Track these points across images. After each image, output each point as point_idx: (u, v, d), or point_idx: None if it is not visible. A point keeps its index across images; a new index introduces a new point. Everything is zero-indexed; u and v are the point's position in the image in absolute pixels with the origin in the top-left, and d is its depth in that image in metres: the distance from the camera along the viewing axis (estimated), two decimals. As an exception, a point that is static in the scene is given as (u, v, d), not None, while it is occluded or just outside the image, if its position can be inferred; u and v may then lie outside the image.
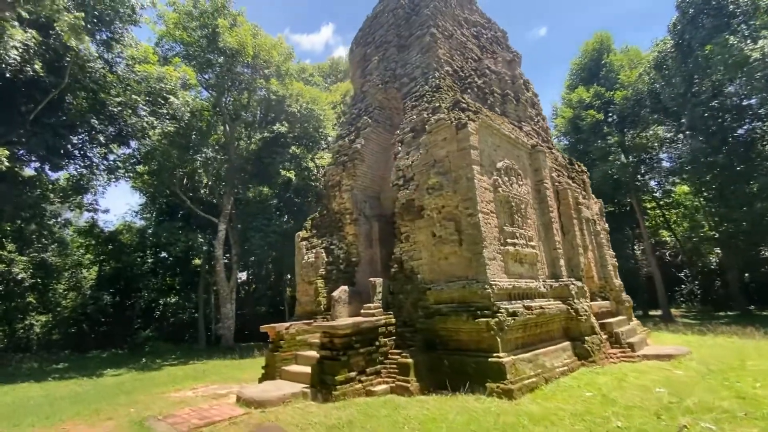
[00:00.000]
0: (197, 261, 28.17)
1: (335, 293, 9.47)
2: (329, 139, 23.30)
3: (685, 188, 23.85)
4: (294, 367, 7.95)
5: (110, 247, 26.68)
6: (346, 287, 9.77)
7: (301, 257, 11.76)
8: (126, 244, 27.03)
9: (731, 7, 15.97)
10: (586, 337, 8.28)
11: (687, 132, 17.59)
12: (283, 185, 23.09)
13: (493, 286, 6.89)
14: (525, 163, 9.48)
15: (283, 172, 20.35)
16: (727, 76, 17.22)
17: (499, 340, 6.55)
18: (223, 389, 8.56)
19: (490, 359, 6.42)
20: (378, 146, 11.62)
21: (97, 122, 16.58)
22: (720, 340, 10.84)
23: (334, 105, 25.79)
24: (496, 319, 6.56)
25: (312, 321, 9.46)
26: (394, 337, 7.72)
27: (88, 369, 16.00)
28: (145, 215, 29.41)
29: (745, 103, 17.93)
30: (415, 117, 9.71)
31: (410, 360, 6.83)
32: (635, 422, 4.81)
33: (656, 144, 21.71)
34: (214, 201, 26.11)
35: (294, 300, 30.56)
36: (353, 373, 6.76)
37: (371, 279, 8.67)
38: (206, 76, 23.54)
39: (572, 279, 9.03)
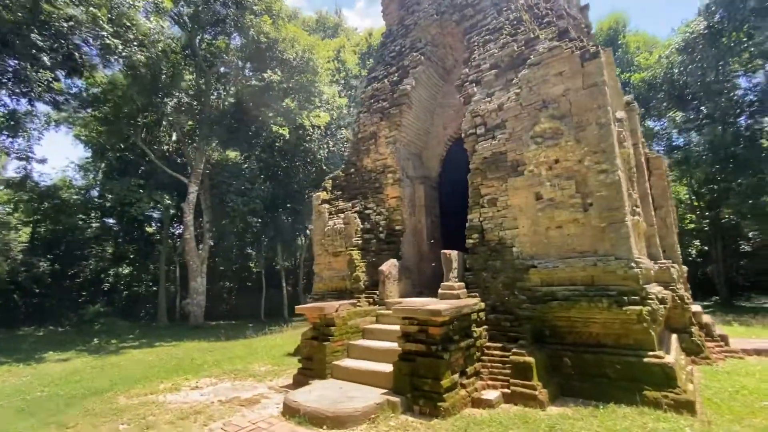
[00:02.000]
0: (149, 229, 24.43)
1: (384, 267, 7.48)
2: (324, 97, 20.57)
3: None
4: (350, 363, 5.93)
5: (47, 205, 22.26)
6: (395, 261, 7.82)
7: (323, 223, 9.54)
8: (67, 202, 22.70)
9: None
10: (692, 329, 7.04)
11: (706, 121, 17.21)
12: (268, 146, 20.16)
13: (641, 266, 5.28)
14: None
15: (275, 128, 17.46)
16: (752, 66, 16.87)
17: (653, 334, 4.98)
18: (243, 389, 6.34)
19: (646, 359, 4.84)
20: (427, 92, 9.52)
21: (39, 38, 12.72)
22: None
23: (328, 60, 22.87)
24: (649, 308, 4.97)
25: (355, 301, 7.41)
26: (485, 326, 5.94)
27: (21, 351, 12.79)
28: (89, 170, 24.88)
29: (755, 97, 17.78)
30: (496, 51, 7.71)
31: (530, 358, 5.08)
32: None
33: (674, 131, 21.47)
34: (179, 160, 22.52)
35: (271, 275, 27.65)
36: (455, 375, 4.90)
37: (444, 251, 6.75)
38: (178, 10, 19.62)
39: (669, 261, 7.73)
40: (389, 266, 7.62)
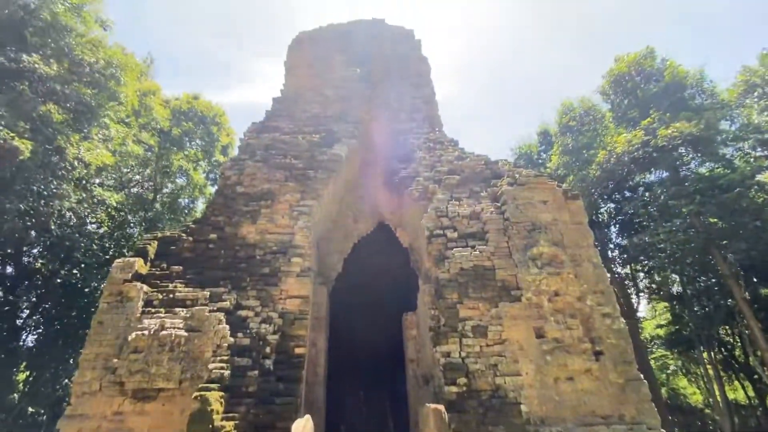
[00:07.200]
0: None
1: (301, 428, 3.88)
2: (110, 133, 14.36)
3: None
4: None
5: None
6: (309, 417, 4.29)
7: (126, 321, 4.78)
8: None
9: None
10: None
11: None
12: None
13: (666, 437, 4.42)
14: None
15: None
16: None
17: None
18: None
19: None
20: (346, 172, 7.51)
21: None
22: None
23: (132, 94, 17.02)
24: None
25: None
26: None
27: None
28: None
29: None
30: (452, 159, 7.01)
31: None
32: None
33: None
34: None
35: None
36: None
37: (435, 406, 4.01)
38: None
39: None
40: (306, 427, 3.91)
